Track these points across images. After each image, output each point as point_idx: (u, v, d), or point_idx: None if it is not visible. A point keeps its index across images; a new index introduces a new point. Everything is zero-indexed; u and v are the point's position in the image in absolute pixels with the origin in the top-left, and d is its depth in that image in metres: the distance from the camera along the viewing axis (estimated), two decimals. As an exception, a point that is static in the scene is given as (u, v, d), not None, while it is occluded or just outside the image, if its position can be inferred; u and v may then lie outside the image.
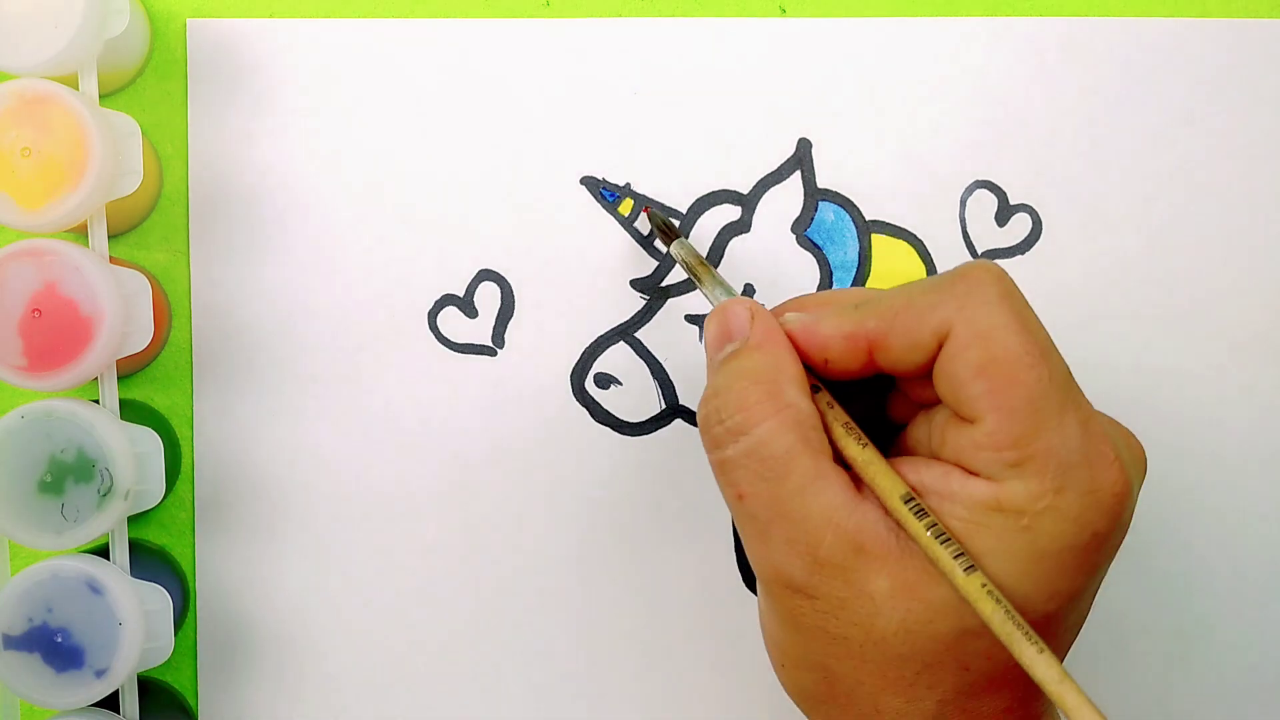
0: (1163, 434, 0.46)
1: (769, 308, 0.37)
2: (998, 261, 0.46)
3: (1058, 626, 0.34)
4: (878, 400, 0.37)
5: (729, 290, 0.40)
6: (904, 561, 0.33)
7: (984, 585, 0.32)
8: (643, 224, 0.45)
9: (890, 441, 0.37)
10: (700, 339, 0.46)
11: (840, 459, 0.35)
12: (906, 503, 0.33)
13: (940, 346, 0.33)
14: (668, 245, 0.43)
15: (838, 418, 0.35)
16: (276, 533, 0.45)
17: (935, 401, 0.35)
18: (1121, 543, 0.34)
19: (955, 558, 0.32)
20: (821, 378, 0.36)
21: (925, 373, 0.34)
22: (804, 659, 0.35)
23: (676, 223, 0.45)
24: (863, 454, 0.34)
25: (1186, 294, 0.46)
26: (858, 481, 0.34)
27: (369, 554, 0.45)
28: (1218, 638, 0.46)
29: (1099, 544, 0.33)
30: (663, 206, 0.45)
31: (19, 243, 0.39)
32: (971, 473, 0.33)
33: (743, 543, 0.35)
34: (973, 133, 0.46)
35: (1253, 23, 0.46)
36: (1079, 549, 0.32)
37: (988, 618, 0.32)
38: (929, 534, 0.32)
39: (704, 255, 0.45)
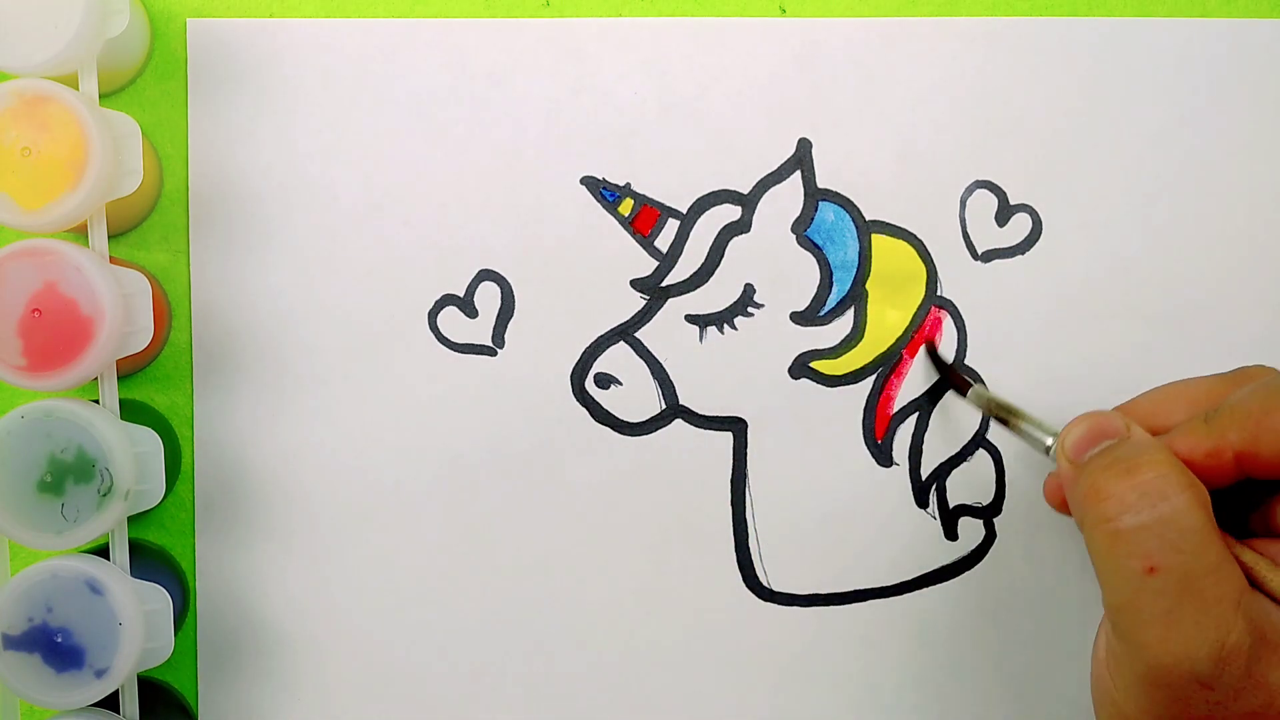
0: (1163, 434, 0.46)
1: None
2: (998, 264, 0.46)
3: None
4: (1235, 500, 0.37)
5: (1047, 427, 0.39)
6: None
7: None
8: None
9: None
10: (700, 339, 0.46)
11: None
12: None
13: None
14: (963, 393, 0.44)
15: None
16: (276, 533, 0.45)
17: None
18: None
19: None
20: None
21: None
22: None
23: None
24: (1247, 550, 0.34)
25: (1186, 294, 0.46)
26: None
27: (369, 554, 0.45)
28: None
29: None
30: (663, 206, 0.46)
31: (19, 243, 0.39)
32: None
33: (1130, 624, 0.33)
34: (973, 133, 0.46)
35: (1253, 23, 0.46)
36: None
37: None
38: None
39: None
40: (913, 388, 0.46)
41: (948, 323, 0.46)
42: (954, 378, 0.45)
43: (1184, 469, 0.33)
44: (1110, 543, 0.33)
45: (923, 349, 0.45)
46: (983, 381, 0.45)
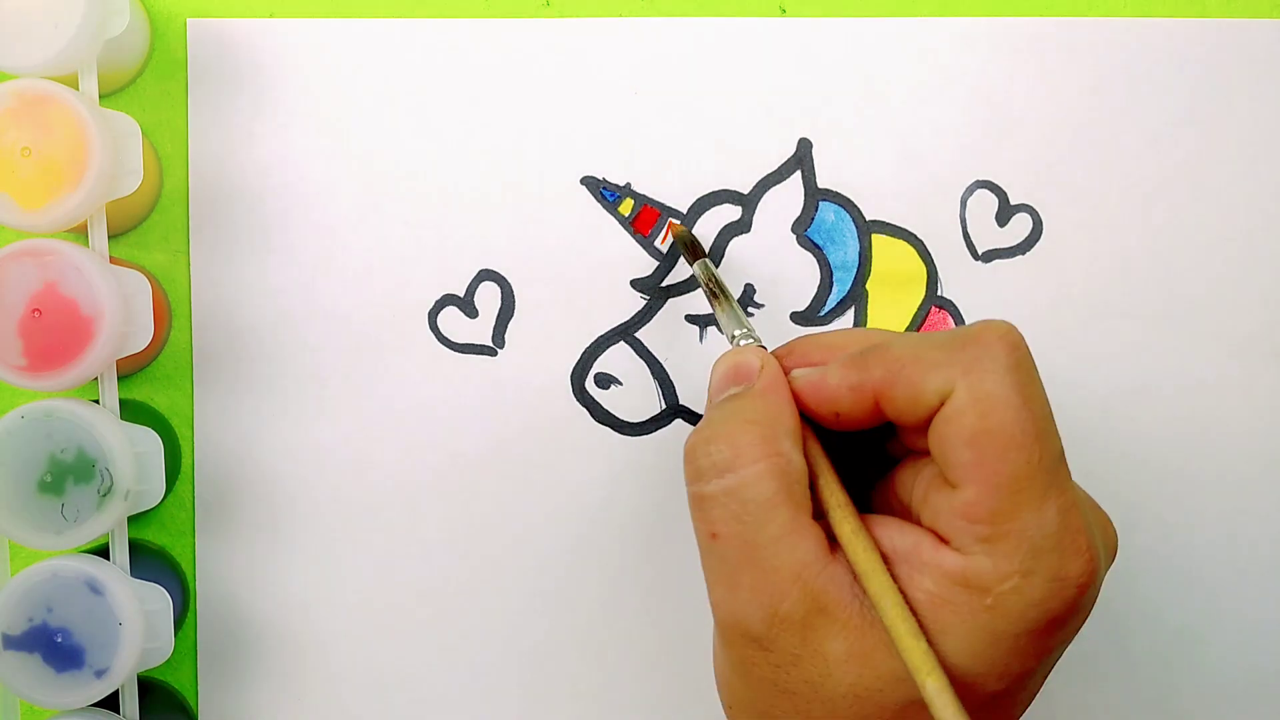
0: (1163, 434, 0.46)
1: (782, 343, 0.37)
2: (998, 264, 0.46)
3: (1006, 705, 0.34)
4: (880, 438, 0.37)
5: (741, 321, 0.40)
6: (863, 629, 0.33)
7: (930, 657, 0.32)
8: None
9: (881, 477, 0.37)
10: (700, 339, 0.46)
11: (819, 514, 0.34)
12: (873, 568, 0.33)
13: (941, 405, 0.33)
14: (691, 262, 0.43)
15: (825, 470, 0.35)
16: (276, 533, 0.45)
17: (928, 454, 0.35)
18: (1080, 628, 0.34)
19: (913, 635, 0.32)
20: (827, 429, 0.35)
21: (924, 427, 0.34)
22: (750, 705, 0.35)
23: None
24: (841, 513, 0.34)
25: (1186, 294, 0.46)
26: (833, 538, 0.34)
27: (369, 554, 0.45)
28: (1218, 638, 0.46)
29: (1057, 629, 0.33)
30: (663, 206, 0.45)
31: (19, 243, 0.39)
32: (943, 540, 0.33)
33: (707, 584, 0.35)
34: (973, 133, 0.46)
35: (1253, 23, 0.46)
36: (1037, 633, 0.32)
37: (929, 696, 0.31)
38: (891, 604, 0.32)
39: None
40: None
41: (948, 322, 0.46)
42: (692, 249, 0.44)
43: (772, 439, 0.34)
44: (690, 505, 0.35)
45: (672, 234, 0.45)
46: (712, 258, 0.45)
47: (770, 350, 0.38)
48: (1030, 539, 0.32)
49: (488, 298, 0.46)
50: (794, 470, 0.34)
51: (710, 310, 0.45)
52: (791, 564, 0.33)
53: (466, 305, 0.46)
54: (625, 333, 0.46)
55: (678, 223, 0.45)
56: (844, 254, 0.46)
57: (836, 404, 0.35)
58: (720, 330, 0.40)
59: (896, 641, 0.32)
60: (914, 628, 0.32)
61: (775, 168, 0.46)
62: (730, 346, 0.39)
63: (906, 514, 0.35)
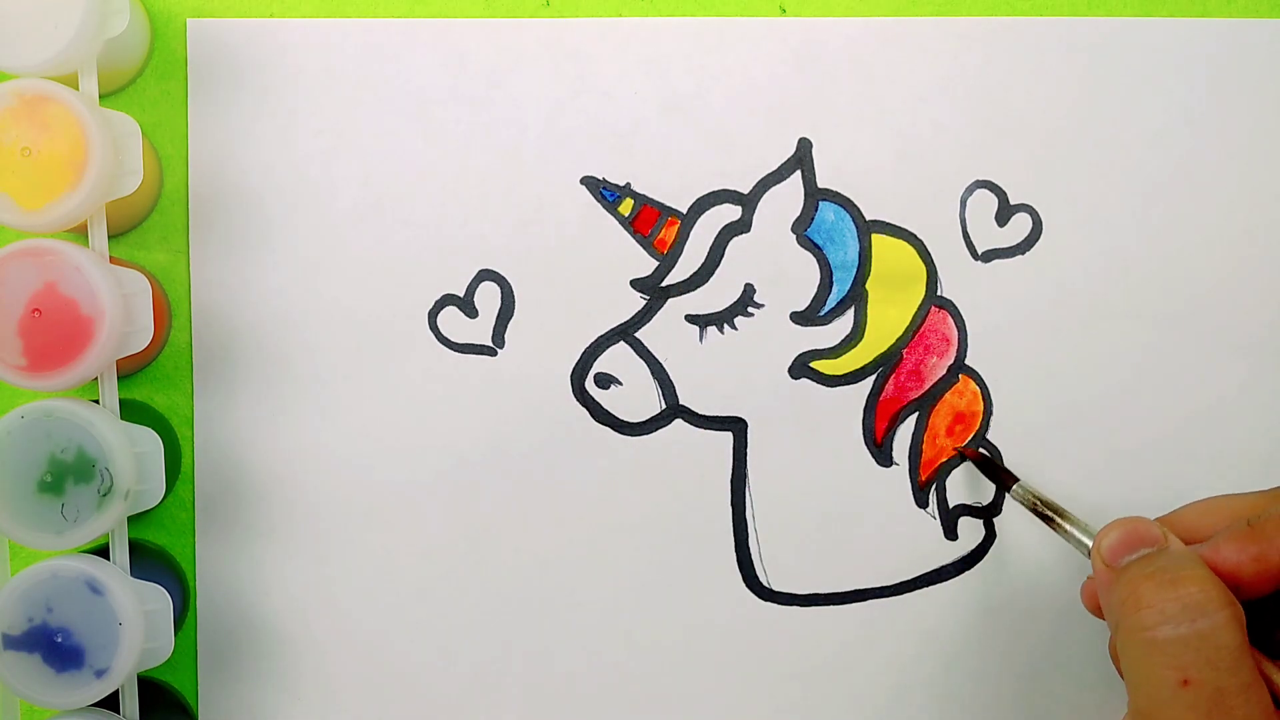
0: (1163, 434, 0.46)
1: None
2: (998, 263, 0.46)
3: None
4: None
5: (1086, 528, 0.40)
6: None
7: None
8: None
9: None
10: (700, 339, 0.46)
11: None
12: None
13: None
14: (1005, 488, 0.44)
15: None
16: (276, 533, 0.45)
17: None
18: None
19: None
20: None
21: None
22: None
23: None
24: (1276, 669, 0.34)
25: (1186, 294, 0.46)
26: None
27: (369, 554, 0.45)
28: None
29: None
30: (663, 206, 0.45)
31: (19, 243, 0.39)
32: None
33: None
34: (973, 133, 0.46)
35: (1253, 23, 0.46)
36: None
37: None
38: None
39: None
40: (913, 388, 0.46)
41: (948, 322, 0.46)
42: (1000, 475, 0.45)
43: (1223, 586, 0.33)
44: (1146, 651, 0.33)
45: (968, 458, 0.46)
46: (1017, 479, 0.45)
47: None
48: None
49: (488, 298, 0.46)
50: (1244, 619, 0.33)
51: (717, 315, 0.45)
52: (1261, 713, 0.32)
53: (466, 305, 0.46)
54: (625, 333, 0.46)
55: (976, 451, 0.46)
56: (844, 254, 0.46)
57: (1238, 577, 0.34)
58: (1073, 545, 0.41)
59: None
60: None
61: (775, 167, 0.46)
62: (1087, 561, 0.38)
63: None
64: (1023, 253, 0.46)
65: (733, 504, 0.46)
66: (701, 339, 0.46)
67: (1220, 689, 0.32)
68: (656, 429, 0.46)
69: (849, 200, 0.46)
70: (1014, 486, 0.44)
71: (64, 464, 0.39)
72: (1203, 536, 0.37)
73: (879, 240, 0.46)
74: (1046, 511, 0.42)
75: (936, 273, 0.46)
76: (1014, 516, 0.46)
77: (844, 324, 0.46)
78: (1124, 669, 0.34)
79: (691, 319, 0.46)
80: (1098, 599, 0.38)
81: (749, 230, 0.46)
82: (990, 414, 0.46)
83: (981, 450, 0.46)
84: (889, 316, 0.46)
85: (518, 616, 0.46)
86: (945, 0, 0.46)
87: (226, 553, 0.45)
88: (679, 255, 0.45)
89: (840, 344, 0.46)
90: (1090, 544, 0.38)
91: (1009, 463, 0.46)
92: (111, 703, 0.41)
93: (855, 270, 0.46)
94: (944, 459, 0.46)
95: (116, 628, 0.39)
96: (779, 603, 0.46)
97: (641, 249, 0.46)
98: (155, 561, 0.44)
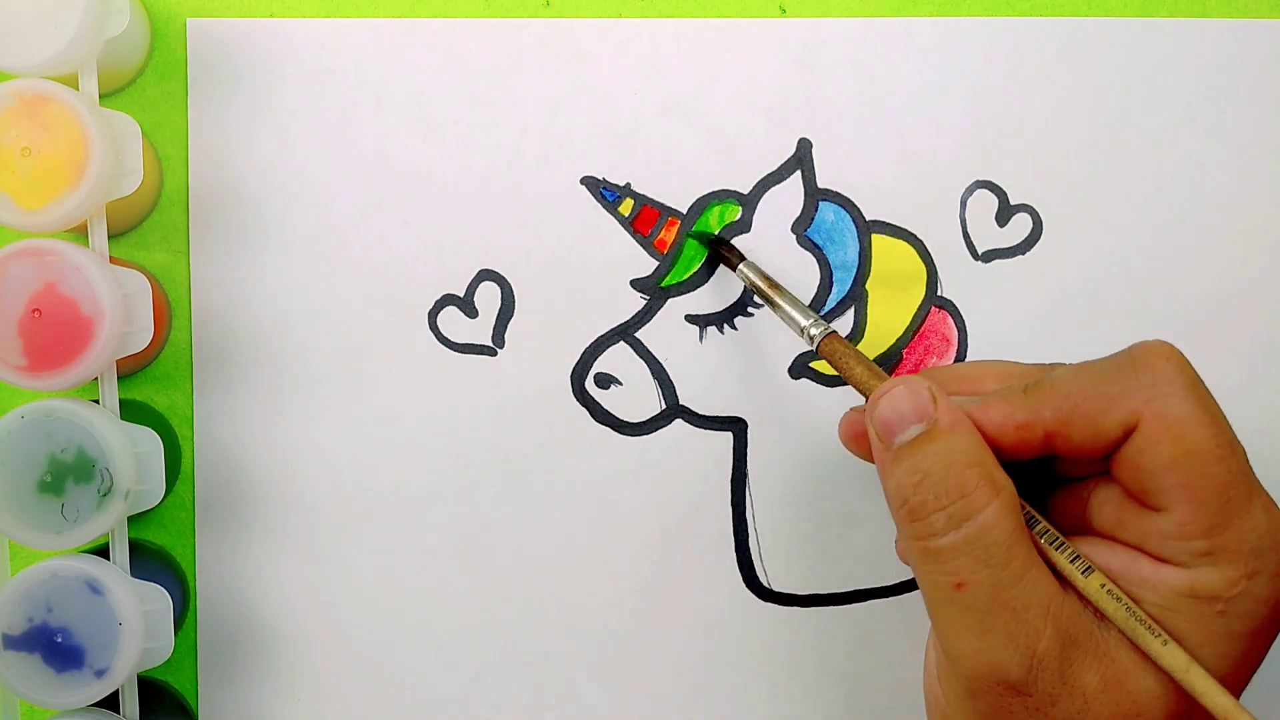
0: (1163, 434, 0.46)
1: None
2: (998, 264, 0.46)
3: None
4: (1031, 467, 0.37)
5: (807, 310, 0.40)
6: (1110, 654, 0.33)
7: (1189, 661, 0.32)
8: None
9: (1038, 501, 0.37)
10: (700, 339, 0.46)
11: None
12: (1105, 589, 0.33)
13: (1125, 436, 0.33)
14: (734, 266, 0.44)
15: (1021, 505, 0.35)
16: (276, 533, 0.45)
17: (1096, 473, 0.35)
18: None
19: (1158, 638, 0.33)
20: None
21: (1099, 458, 0.34)
22: None
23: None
24: (1056, 540, 0.34)
25: (1186, 294, 0.46)
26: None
27: (369, 554, 0.45)
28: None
29: None
30: (663, 206, 0.45)
31: (19, 243, 0.39)
32: (1159, 558, 0.33)
33: (945, 637, 0.34)
34: (973, 133, 0.46)
35: (1253, 23, 0.46)
36: (1269, 627, 0.33)
37: (1200, 693, 0.32)
38: (1132, 618, 0.33)
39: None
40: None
41: (948, 323, 0.46)
42: (724, 251, 0.44)
43: (992, 474, 0.34)
44: (921, 560, 0.34)
45: (692, 236, 0.45)
46: (744, 258, 0.44)
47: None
48: (1248, 543, 0.33)
49: (487, 298, 0.46)
50: (1016, 500, 0.34)
51: (717, 315, 0.45)
52: (1040, 600, 0.33)
53: (466, 305, 0.46)
54: (625, 333, 0.46)
55: (703, 233, 0.45)
56: (844, 254, 0.46)
57: (999, 439, 0.35)
58: (789, 326, 0.41)
59: (1155, 656, 0.32)
60: (1167, 639, 0.33)
61: (775, 168, 0.46)
62: (802, 341, 0.39)
63: (1091, 533, 0.35)
64: (1023, 253, 0.46)
65: (733, 504, 0.46)
66: (701, 339, 0.46)
67: (995, 583, 0.33)
68: (656, 429, 0.46)
69: (849, 200, 0.46)
70: (741, 264, 0.43)
71: (64, 464, 0.39)
72: (976, 390, 0.37)
73: (879, 240, 0.46)
74: (769, 293, 0.42)
75: (936, 273, 0.46)
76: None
77: (844, 324, 0.46)
78: (921, 586, 0.35)
79: (691, 319, 0.46)
80: (859, 438, 0.38)
81: (749, 230, 0.46)
82: (990, 414, 0.46)
83: (700, 232, 0.45)
84: (889, 317, 0.46)
85: (517, 616, 0.46)
86: (945, 0, 0.46)
87: (226, 553, 0.45)
88: (679, 255, 0.45)
89: (840, 344, 0.46)
90: (804, 323, 0.40)
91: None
92: (111, 703, 0.41)
93: (855, 270, 0.46)
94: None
95: (116, 628, 0.39)
96: (779, 603, 0.46)
97: (641, 249, 0.46)
98: (155, 561, 0.44)
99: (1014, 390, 0.35)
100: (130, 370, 0.45)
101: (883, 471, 0.36)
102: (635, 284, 0.46)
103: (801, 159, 0.46)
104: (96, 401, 0.41)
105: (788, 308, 0.42)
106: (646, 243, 0.46)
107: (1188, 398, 0.33)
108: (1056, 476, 0.37)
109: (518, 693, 0.46)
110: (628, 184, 0.46)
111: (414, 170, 0.45)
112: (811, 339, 0.40)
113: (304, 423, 0.45)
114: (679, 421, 0.46)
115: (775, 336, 0.45)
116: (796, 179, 0.46)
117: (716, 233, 0.45)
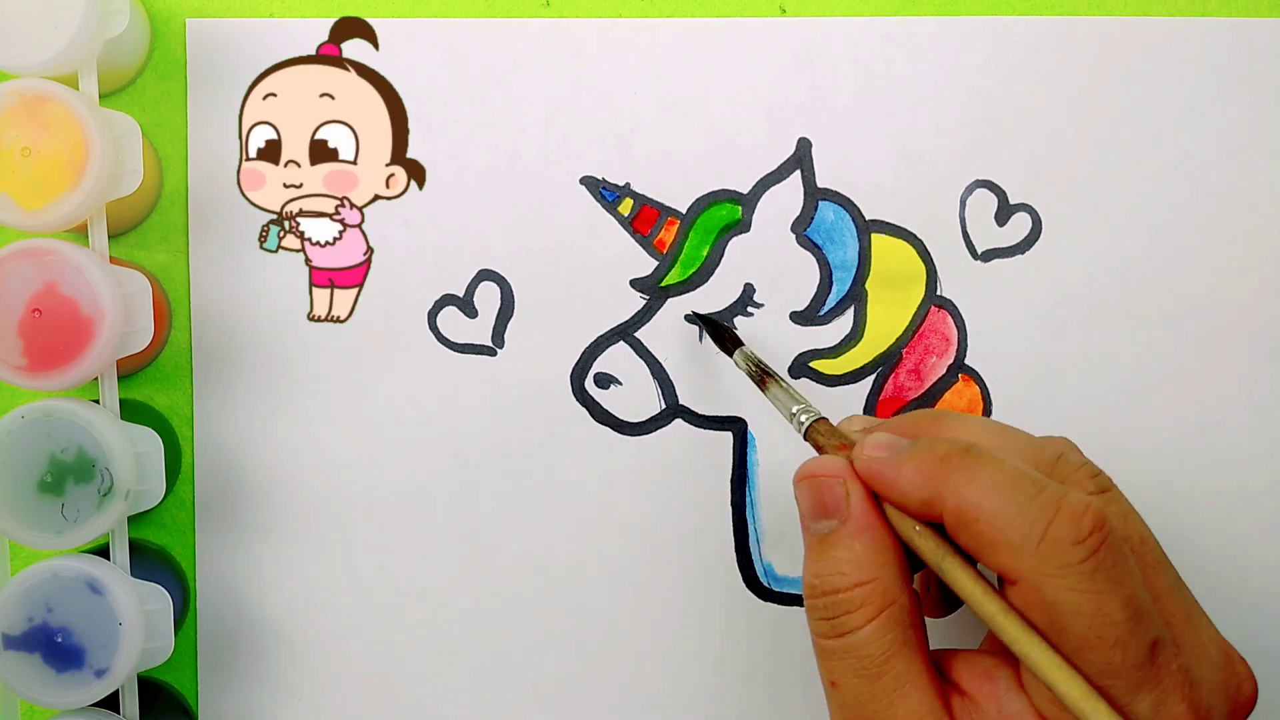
0: (1163, 434, 0.46)
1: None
2: (997, 263, 0.46)
3: None
4: None
5: (796, 397, 0.39)
6: None
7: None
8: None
9: None
10: (700, 339, 0.46)
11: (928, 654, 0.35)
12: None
13: (1012, 579, 0.33)
14: (730, 352, 0.43)
15: (947, 553, 0.34)
16: (277, 533, 0.45)
17: None
18: None
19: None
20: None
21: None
22: None
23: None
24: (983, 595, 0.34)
25: (1186, 294, 0.46)
26: (949, 669, 0.35)
27: (369, 554, 0.45)
28: (1218, 637, 0.46)
29: None
30: (662, 206, 0.45)
31: (19, 243, 0.39)
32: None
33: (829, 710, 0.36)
34: (973, 133, 0.46)
35: (1253, 23, 0.46)
36: None
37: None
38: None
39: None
40: (912, 387, 0.46)
41: (948, 322, 0.46)
42: (723, 336, 0.44)
43: (886, 587, 0.34)
44: (814, 649, 0.35)
45: (688, 316, 0.45)
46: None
47: (840, 427, 0.38)
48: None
49: (487, 298, 0.46)
50: (905, 614, 0.34)
51: (717, 315, 0.45)
52: (905, 714, 0.34)
53: (466, 305, 0.46)
54: (625, 332, 0.46)
55: (706, 316, 0.45)
56: (843, 253, 0.46)
57: (905, 506, 0.34)
58: (779, 411, 0.40)
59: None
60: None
61: (775, 167, 0.46)
62: (791, 426, 0.39)
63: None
64: (1022, 252, 0.46)
65: (733, 504, 0.46)
66: (701, 339, 0.46)
67: (863, 694, 0.34)
68: (656, 429, 0.46)
69: (848, 200, 0.46)
70: (736, 352, 0.43)
71: (64, 464, 0.39)
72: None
73: (879, 240, 0.46)
74: (762, 373, 0.41)
75: (936, 272, 0.46)
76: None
77: (844, 324, 0.46)
78: None
79: (691, 319, 0.46)
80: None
81: (749, 230, 0.46)
82: (990, 413, 0.46)
83: (700, 313, 0.45)
84: (889, 316, 0.46)
85: (517, 616, 0.46)
86: (945, 0, 0.46)
87: (226, 553, 0.45)
88: (679, 255, 0.45)
89: (840, 344, 0.46)
90: (793, 409, 0.39)
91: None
92: (111, 703, 0.41)
93: (855, 270, 0.46)
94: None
95: (116, 628, 0.39)
96: (779, 603, 0.46)
97: (641, 249, 0.46)
98: (155, 561, 0.44)
99: (932, 458, 0.34)
100: (130, 370, 0.45)
101: (805, 544, 0.36)
102: (635, 284, 0.46)
103: (801, 158, 0.46)
104: (96, 401, 0.41)
105: (780, 396, 0.40)
106: (646, 242, 0.46)
107: (1078, 584, 0.32)
108: None
109: (517, 692, 0.46)
110: (627, 184, 0.46)
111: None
112: (800, 425, 0.39)
113: (304, 423, 0.45)
114: (679, 421, 0.46)
115: (775, 336, 0.45)
116: (796, 178, 0.46)
117: (706, 315, 0.45)
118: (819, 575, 0.35)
